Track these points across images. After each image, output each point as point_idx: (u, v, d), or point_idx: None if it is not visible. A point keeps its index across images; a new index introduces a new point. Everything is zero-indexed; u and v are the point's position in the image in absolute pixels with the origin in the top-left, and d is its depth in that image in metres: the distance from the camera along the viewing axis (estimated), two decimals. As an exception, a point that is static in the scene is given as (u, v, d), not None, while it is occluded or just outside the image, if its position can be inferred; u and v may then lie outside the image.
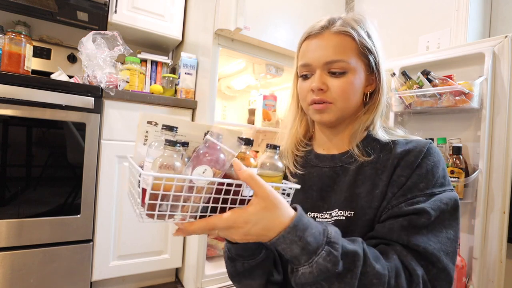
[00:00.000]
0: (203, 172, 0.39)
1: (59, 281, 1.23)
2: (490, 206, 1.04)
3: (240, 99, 2.17)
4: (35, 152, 1.19)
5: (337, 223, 0.55)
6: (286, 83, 2.03)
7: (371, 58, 0.59)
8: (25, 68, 1.31)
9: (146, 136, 0.47)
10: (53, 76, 1.43)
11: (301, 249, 0.41)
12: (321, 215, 0.59)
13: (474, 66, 1.12)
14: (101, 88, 1.30)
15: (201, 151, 0.41)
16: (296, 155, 0.67)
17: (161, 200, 0.38)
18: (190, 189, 0.39)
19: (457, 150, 1.07)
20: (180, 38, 1.85)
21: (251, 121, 1.98)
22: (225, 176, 0.42)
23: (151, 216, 0.39)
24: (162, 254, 1.48)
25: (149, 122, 0.47)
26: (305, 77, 0.61)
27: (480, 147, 1.05)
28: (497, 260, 1.01)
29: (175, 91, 1.69)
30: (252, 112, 1.98)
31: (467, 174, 1.06)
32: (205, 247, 1.43)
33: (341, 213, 0.56)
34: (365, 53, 0.58)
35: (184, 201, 0.40)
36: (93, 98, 1.27)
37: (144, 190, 0.40)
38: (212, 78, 1.45)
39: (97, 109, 1.28)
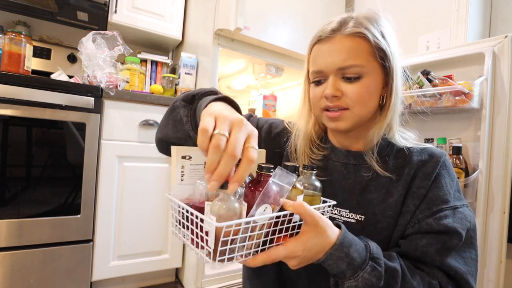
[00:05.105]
0: (264, 211, 0.41)
1: (59, 281, 1.23)
2: (490, 206, 1.04)
3: (240, 99, 2.17)
4: (35, 152, 1.19)
5: (347, 225, 0.56)
6: (286, 83, 2.03)
7: (385, 60, 0.55)
8: (25, 68, 1.31)
9: (182, 172, 0.47)
10: (53, 76, 1.44)
11: (347, 264, 0.45)
12: (330, 210, 0.59)
13: (474, 66, 1.12)
14: (101, 88, 1.30)
15: (261, 191, 0.42)
16: (312, 158, 0.65)
17: (230, 244, 0.39)
18: (254, 228, 0.41)
19: (457, 150, 1.07)
20: (180, 38, 1.84)
21: (251, 121, 1.97)
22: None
23: (223, 261, 0.40)
24: (162, 254, 1.47)
25: (183, 157, 0.47)
26: (317, 83, 0.59)
27: (480, 147, 1.05)
28: (497, 260, 1.01)
29: (175, 91, 1.69)
30: (252, 112, 1.98)
31: (467, 174, 1.06)
32: (205, 247, 1.43)
33: (351, 215, 0.57)
34: (380, 55, 0.55)
35: (250, 240, 0.41)
36: (93, 98, 1.27)
37: (216, 236, 0.39)
38: (212, 78, 1.45)
39: (97, 109, 1.28)
